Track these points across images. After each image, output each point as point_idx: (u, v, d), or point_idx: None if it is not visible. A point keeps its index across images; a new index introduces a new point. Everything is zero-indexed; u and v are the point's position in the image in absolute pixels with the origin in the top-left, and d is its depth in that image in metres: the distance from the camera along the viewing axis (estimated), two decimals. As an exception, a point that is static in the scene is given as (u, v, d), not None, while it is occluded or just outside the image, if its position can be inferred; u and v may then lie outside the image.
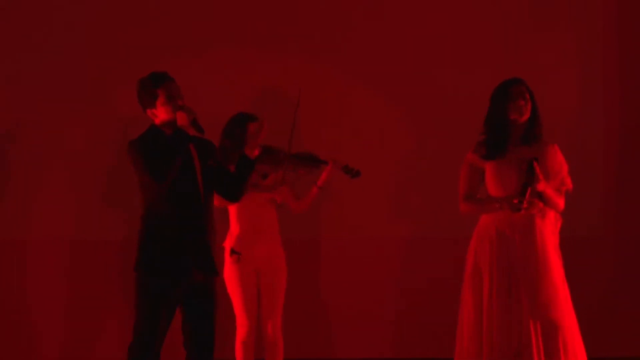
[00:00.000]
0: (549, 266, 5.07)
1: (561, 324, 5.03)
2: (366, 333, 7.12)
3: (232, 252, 6.04)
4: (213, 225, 5.08)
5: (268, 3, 7.24)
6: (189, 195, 4.95)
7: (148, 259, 4.95)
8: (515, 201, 5.00)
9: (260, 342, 6.11)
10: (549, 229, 5.15)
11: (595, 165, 7.27)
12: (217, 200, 5.23)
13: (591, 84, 7.30)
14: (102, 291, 6.97)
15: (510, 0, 7.29)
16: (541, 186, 5.04)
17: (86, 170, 7.06)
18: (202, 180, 5.01)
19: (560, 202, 5.18)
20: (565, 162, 5.24)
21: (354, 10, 7.29)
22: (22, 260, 7.07)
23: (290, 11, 7.23)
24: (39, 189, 7.05)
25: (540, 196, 5.10)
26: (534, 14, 7.23)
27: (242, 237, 6.06)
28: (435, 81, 7.24)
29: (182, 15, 7.20)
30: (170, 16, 7.19)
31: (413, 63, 7.24)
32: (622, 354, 7.17)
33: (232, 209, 6.10)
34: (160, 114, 5.01)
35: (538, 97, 5.24)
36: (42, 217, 7.08)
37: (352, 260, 7.12)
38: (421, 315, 7.07)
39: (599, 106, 7.30)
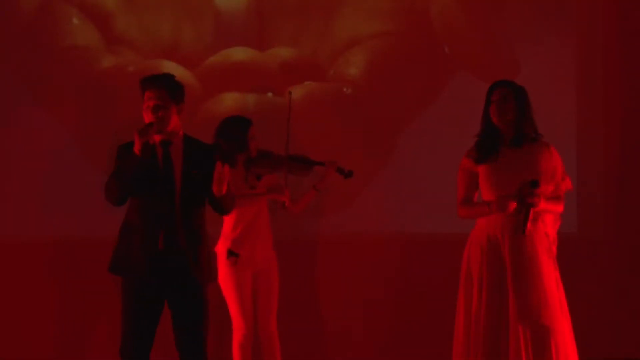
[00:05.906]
0: (539, 270, 5.03)
1: (553, 328, 4.99)
2: (361, 338, 7.09)
3: (230, 253, 5.95)
4: (197, 232, 5.00)
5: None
6: (160, 203, 4.92)
7: (117, 260, 5.02)
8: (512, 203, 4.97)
9: (255, 344, 6.07)
10: (541, 232, 5.10)
11: (595, 165, 7.24)
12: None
13: (591, 83, 7.28)
14: (94, 292, 6.94)
15: (510, 1, 7.24)
16: (541, 205, 5.01)
17: (77, 170, 7.01)
18: (182, 187, 4.94)
19: (560, 207, 5.15)
20: (562, 162, 5.19)
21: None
22: (11, 261, 7.02)
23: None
24: (27, 189, 7.01)
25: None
26: (533, 14, 7.21)
27: (241, 240, 5.97)
28: (437, 81, 7.20)
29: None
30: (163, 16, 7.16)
31: (412, 63, 7.18)
32: (622, 356, 7.14)
33: None
34: (146, 118, 4.98)
35: (538, 97, 5.20)
36: (29, 218, 7.04)
37: (348, 261, 7.10)
38: (418, 319, 7.04)
39: (599, 106, 7.28)
